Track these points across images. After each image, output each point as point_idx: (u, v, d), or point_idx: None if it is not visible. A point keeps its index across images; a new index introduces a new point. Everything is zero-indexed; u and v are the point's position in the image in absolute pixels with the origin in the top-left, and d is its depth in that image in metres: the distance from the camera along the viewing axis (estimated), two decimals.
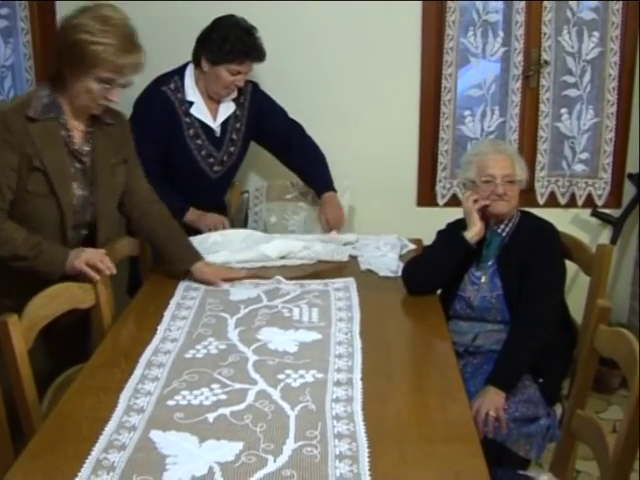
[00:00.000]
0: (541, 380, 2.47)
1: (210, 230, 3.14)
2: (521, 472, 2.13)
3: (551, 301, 2.49)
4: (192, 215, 3.21)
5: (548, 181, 3.70)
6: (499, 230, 2.61)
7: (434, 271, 2.65)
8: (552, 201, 3.72)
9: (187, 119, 3.15)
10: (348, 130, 3.69)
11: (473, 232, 2.59)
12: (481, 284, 2.61)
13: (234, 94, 3.22)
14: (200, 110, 3.18)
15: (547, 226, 2.62)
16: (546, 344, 2.45)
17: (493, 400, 2.32)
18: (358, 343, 2.28)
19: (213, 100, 3.20)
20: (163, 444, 1.77)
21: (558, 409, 2.51)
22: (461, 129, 3.75)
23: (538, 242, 2.55)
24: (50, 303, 2.24)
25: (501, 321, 2.59)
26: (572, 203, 3.72)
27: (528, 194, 3.53)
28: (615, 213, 3.67)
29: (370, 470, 1.66)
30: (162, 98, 3.13)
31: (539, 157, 3.64)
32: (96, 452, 1.73)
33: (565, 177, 3.70)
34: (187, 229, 2.98)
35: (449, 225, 2.79)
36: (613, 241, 3.60)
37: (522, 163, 2.65)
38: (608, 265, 2.53)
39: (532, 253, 2.53)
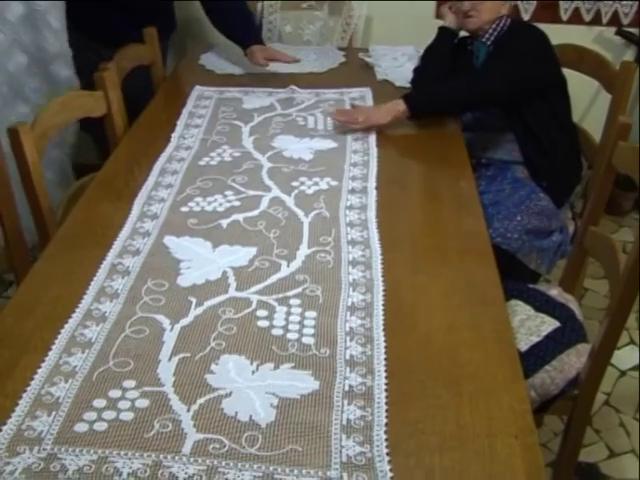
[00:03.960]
0: (545, 184, 2.45)
1: None
2: (531, 285, 2.14)
3: (508, 68, 2.42)
4: None
5: None
6: (484, 40, 2.53)
7: (430, 67, 2.68)
8: (576, 18, 3.53)
9: None
10: None
11: (446, 22, 2.70)
12: None
13: None
14: None
15: (531, 27, 2.52)
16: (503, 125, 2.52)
17: (387, 110, 2.40)
18: (374, 152, 2.26)
19: None
20: (177, 249, 1.78)
21: (571, 226, 2.51)
22: None
23: (516, 37, 2.48)
24: (62, 111, 2.19)
25: (505, 128, 2.54)
26: (597, 20, 3.54)
27: (551, 9, 3.38)
28: None
29: (383, 276, 1.67)
30: None
31: None
32: (111, 257, 1.75)
33: None
34: None
35: None
36: (637, 61, 3.46)
37: None
38: (631, 82, 2.44)
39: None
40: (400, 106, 2.41)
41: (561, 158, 2.49)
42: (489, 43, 2.53)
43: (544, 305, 2.01)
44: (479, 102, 2.49)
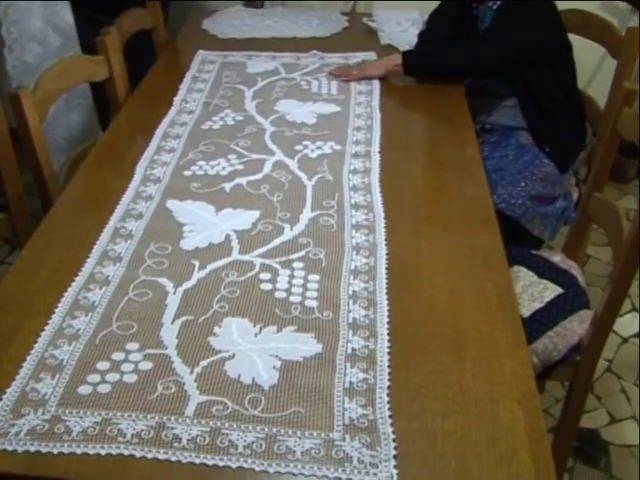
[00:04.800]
0: (548, 149, 2.43)
1: None
2: (534, 252, 2.14)
3: (507, 40, 2.40)
4: None
5: None
6: (489, 4, 2.51)
7: (435, 32, 2.66)
8: None
9: None
10: None
11: None
12: None
13: None
14: None
15: None
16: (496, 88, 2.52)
17: (383, 63, 2.50)
18: (377, 116, 2.24)
19: None
20: (180, 213, 1.78)
21: (574, 193, 2.50)
22: None
23: (521, 3, 2.44)
24: (63, 75, 2.18)
25: (509, 93, 2.53)
26: None
27: None
28: None
29: (386, 240, 1.67)
30: None
31: None
32: (114, 221, 1.75)
33: None
34: None
35: None
36: None
37: None
38: (637, 48, 2.42)
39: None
40: (396, 60, 2.46)
41: (565, 124, 2.48)
42: (495, 8, 2.50)
43: (547, 271, 2.01)
44: (475, 71, 2.49)
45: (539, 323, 1.87)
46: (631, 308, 2.85)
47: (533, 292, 1.94)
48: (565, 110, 2.47)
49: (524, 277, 1.99)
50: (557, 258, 2.08)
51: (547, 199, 2.37)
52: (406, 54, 2.46)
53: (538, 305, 1.91)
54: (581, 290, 1.97)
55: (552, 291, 1.94)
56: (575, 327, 1.87)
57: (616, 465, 2.27)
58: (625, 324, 2.76)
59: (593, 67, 3.44)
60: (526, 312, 1.88)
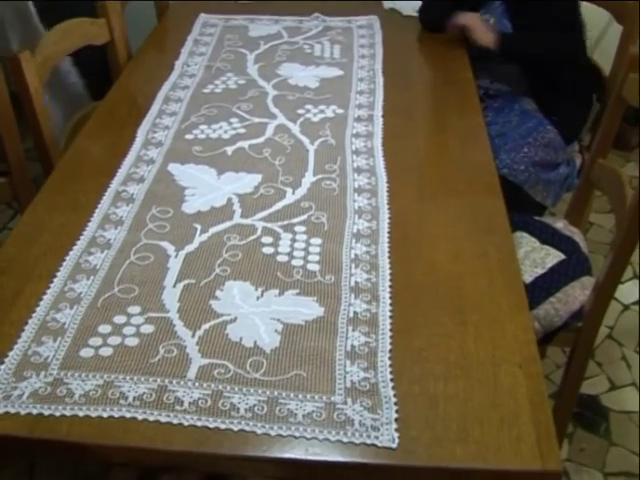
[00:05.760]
0: (555, 118, 2.42)
1: None
2: (537, 218, 2.13)
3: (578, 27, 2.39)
4: None
5: None
6: None
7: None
8: None
9: None
10: None
11: None
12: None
13: None
14: None
15: None
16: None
17: (483, 37, 2.37)
18: (380, 80, 2.23)
19: None
20: (182, 176, 1.77)
21: (578, 159, 2.49)
22: None
23: None
24: (63, 39, 2.16)
25: None
26: None
27: None
28: None
29: (389, 204, 1.67)
30: None
31: None
32: (115, 185, 1.75)
33: None
34: None
35: None
36: None
37: None
38: None
39: None
40: (490, 38, 2.37)
41: (572, 94, 2.45)
42: None
43: (550, 237, 2.01)
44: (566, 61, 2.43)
45: (541, 289, 1.87)
46: (632, 275, 2.84)
47: (535, 258, 1.94)
48: (573, 80, 2.44)
49: (526, 243, 1.99)
50: (560, 224, 2.08)
51: (550, 165, 2.35)
52: (505, 37, 2.36)
53: (540, 271, 1.90)
54: (583, 256, 1.97)
55: (554, 257, 1.94)
56: (577, 293, 1.87)
57: (616, 431, 2.28)
58: (626, 291, 2.76)
59: (598, 32, 3.40)
60: (528, 278, 1.88)
